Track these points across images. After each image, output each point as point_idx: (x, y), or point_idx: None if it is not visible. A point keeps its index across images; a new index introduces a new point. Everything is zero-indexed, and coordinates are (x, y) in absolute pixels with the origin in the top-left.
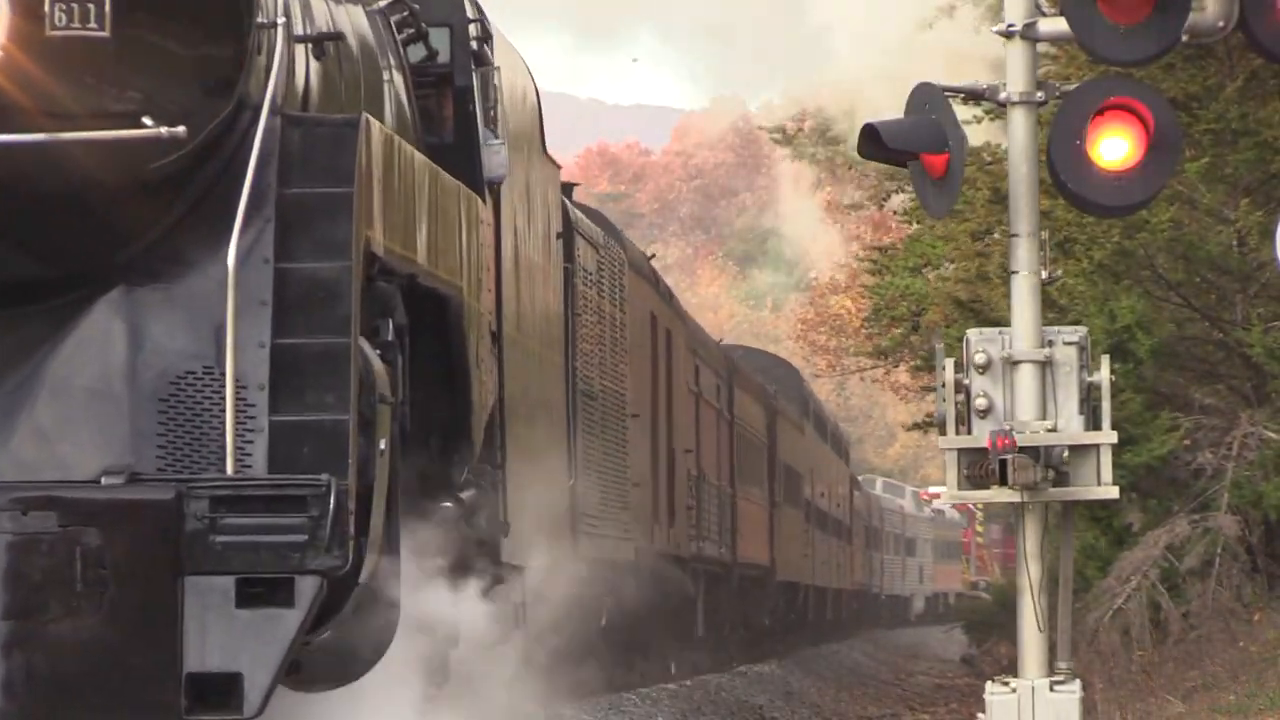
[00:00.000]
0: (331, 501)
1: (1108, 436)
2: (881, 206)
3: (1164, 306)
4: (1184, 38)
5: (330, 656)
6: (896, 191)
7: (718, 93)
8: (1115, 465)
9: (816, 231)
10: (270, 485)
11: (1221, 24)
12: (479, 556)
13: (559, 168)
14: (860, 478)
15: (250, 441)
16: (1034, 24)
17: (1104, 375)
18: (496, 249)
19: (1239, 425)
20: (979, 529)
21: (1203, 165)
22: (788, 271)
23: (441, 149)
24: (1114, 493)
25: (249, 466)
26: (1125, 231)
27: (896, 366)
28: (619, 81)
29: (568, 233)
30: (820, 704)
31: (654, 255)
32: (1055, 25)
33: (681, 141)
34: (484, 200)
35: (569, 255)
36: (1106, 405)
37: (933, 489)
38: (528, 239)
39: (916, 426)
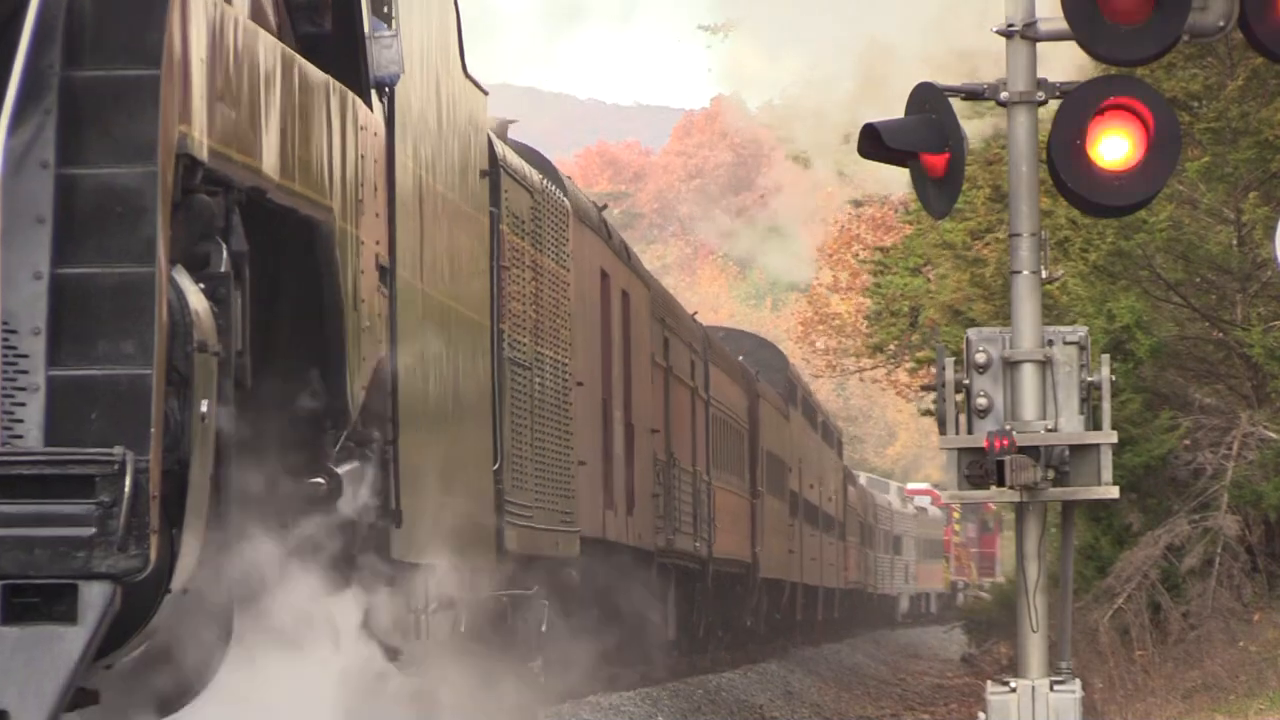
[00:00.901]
0: (127, 483)
1: (1108, 436)
2: (882, 206)
3: (1163, 306)
4: (1184, 37)
5: (141, 682)
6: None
7: (718, 92)
8: (1115, 465)
9: (815, 229)
10: (47, 462)
11: (1222, 23)
12: (360, 552)
13: (486, 94)
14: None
15: (21, 404)
16: (1034, 23)
17: (1104, 375)
18: (389, 165)
19: (1239, 425)
20: (955, 528)
21: (1203, 164)
22: (787, 271)
23: (318, 40)
24: (1114, 492)
25: (19, 437)
26: (1121, 232)
27: (898, 366)
28: (619, 81)
29: (494, 171)
30: (820, 703)
31: (605, 206)
32: (1055, 24)
33: (682, 141)
34: (369, 104)
35: (495, 198)
36: (1106, 405)
37: (911, 486)
38: (437, 169)
39: (928, 413)
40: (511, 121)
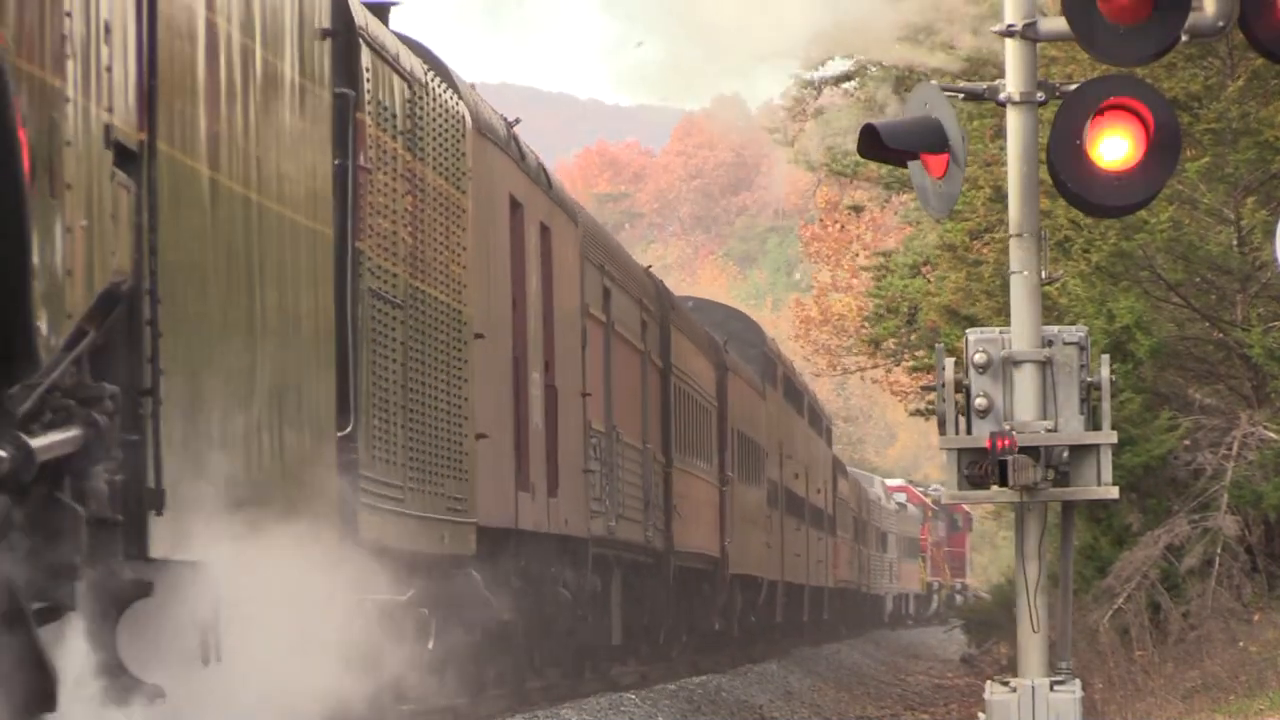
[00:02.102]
0: None
1: (1107, 437)
2: (883, 208)
3: (1163, 307)
4: (1184, 37)
5: None
6: (898, 192)
7: (718, 92)
8: (1115, 465)
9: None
10: None
11: (1221, 23)
12: (92, 556)
13: None
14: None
15: None
16: (1034, 23)
17: (1104, 375)
18: None
19: (1239, 425)
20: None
21: (1203, 165)
22: (787, 271)
23: None
24: (1114, 493)
25: None
26: (1122, 233)
27: (897, 365)
28: (619, 81)
29: (346, 36)
30: (820, 704)
31: (518, 121)
32: (1055, 25)
33: (682, 142)
34: None
35: (347, 74)
36: (1106, 405)
37: (890, 482)
38: (233, 11)
39: (919, 413)
40: (516, 121)
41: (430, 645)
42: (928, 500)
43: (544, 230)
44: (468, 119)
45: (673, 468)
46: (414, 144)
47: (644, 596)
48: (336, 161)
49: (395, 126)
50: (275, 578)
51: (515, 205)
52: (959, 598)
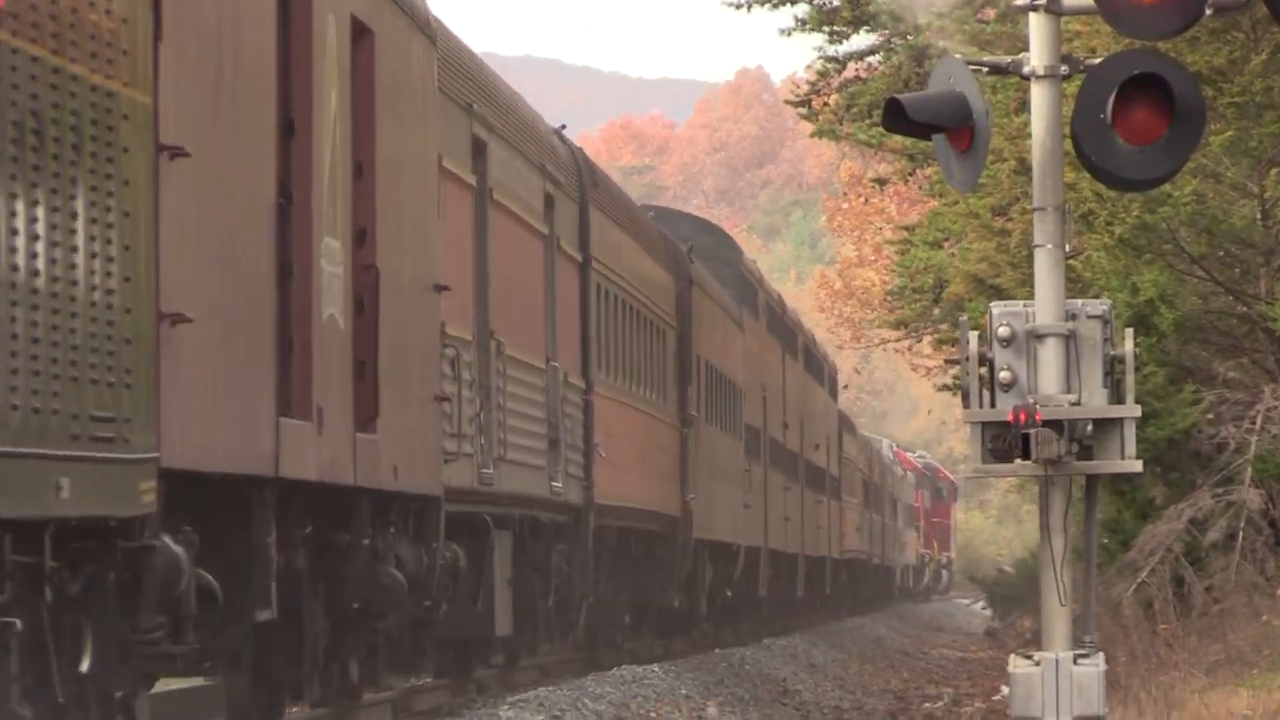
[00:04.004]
0: None
1: (1131, 410)
2: (907, 181)
3: (1187, 280)
4: (1208, 11)
5: None
6: (923, 165)
7: (742, 65)
8: (1138, 439)
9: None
10: None
11: None
12: None
13: None
14: None
15: None
16: None
17: (1128, 349)
18: None
19: (1262, 399)
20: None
21: (1227, 139)
22: (811, 245)
23: None
24: (1137, 466)
25: None
26: (1146, 206)
27: (920, 340)
28: (644, 55)
29: None
30: (844, 677)
31: None
32: None
33: (706, 115)
34: None
35: None
36: (1130, 379)
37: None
38: None
39: (945, 388)
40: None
41: (84, 667)
42: (919, 465)
43: (358, 29)
44: None
45: (594, 395)
46: None
47: (550, 568)
48: None
49: None
50: None
51: None
52: (944, 574)
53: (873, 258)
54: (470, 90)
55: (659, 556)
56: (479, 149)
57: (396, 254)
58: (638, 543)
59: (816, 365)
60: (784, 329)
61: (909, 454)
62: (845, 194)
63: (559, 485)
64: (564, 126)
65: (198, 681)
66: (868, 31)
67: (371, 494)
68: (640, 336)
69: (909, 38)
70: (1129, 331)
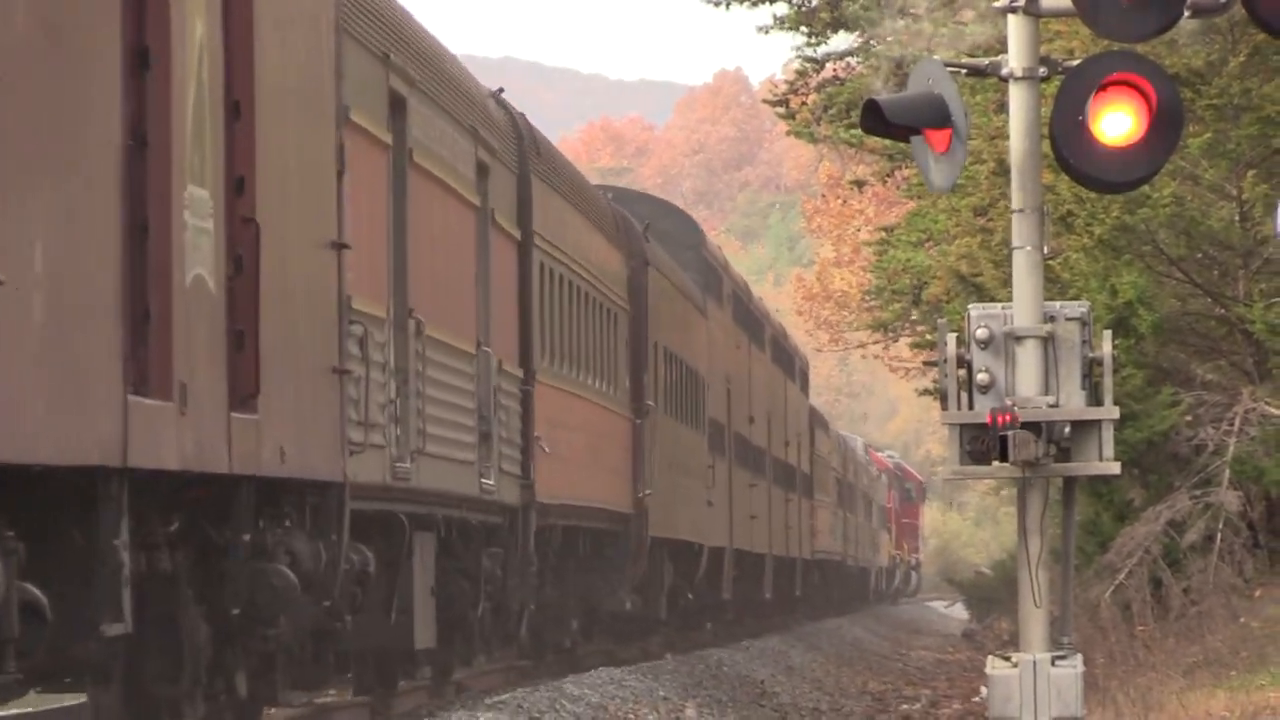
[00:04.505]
0: None
1: (1109, 412)
2: (885, 182)
3: (1165, 282)
4: (1186, 13)
5: None
6: (901, 167)
7: (720, 68)
8: (1117, 441)
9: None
10: None
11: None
12: None
13: None
14: None
15: None
16: None
17: (1106, 351)
18: None
19: (1240, 401)
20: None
21: (1205, 141)
22: (789, 246)
23: None
24: (1116, 468)
25: None
26: (1126, 207)
27: (896, 341)
28: (623, 57)
29: None
30: (822, 679)
31: None
32: (1058, 1)
33: (685, 117)
34: None
35: None
36: (1108, 381)
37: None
38: None
39: (926, 393)
40: (499, 90)
41: None
42: (889, 464)
43: None
44: None
45: (535, 384)
46: None
47: (480, 573)
48: None
49: None
50: None
51: None
52: (914, 575)
53: (851, 259)
54: (387, 38)
55: (609, 557)
56: (397, 104)
57: (283, 207)
58: (587, 543)
59: (786, 358)
60: (750, 318)
61: (879, 453)
62: (824, 195)
63: (491, 483)
64: (501, 90)
65: (63, 700)
66: (846, 33)
67: (253, 482)
68: (590, 321)
69: (888, 39)
70: (1107, 333)
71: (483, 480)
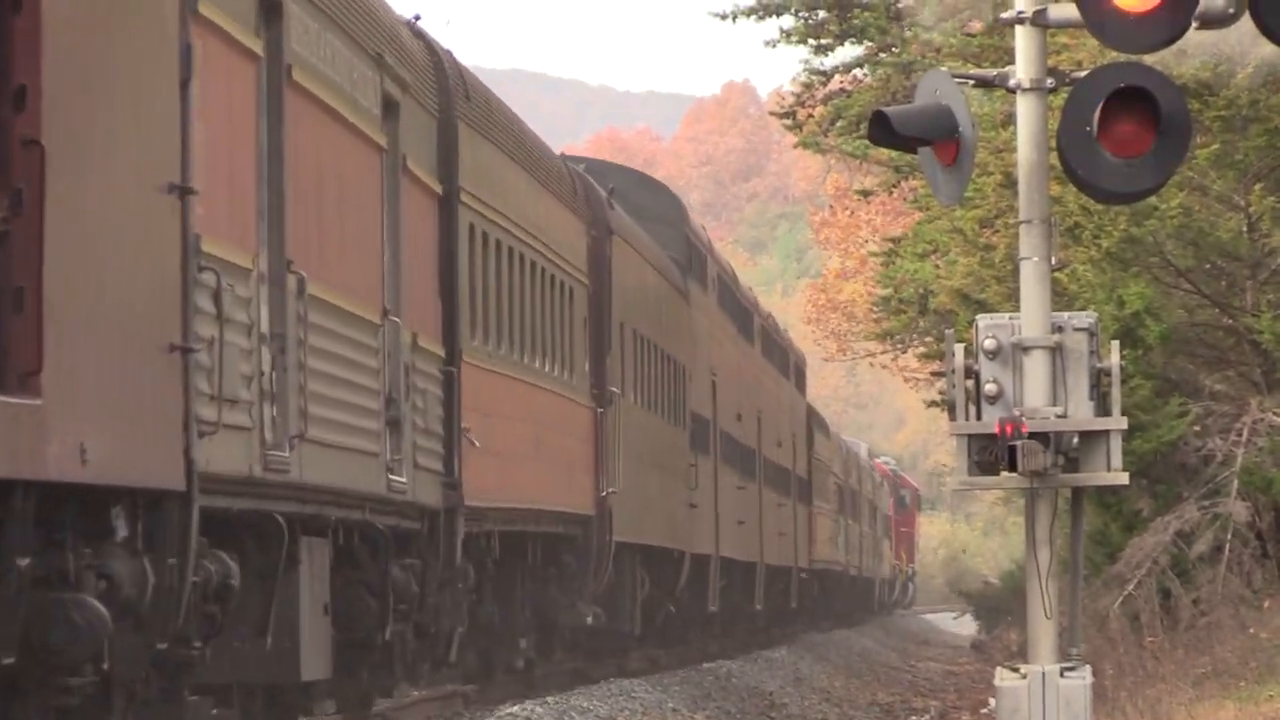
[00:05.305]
0: None
1: (1118, 422)
2: (892, 193)
3: (1173, 293)
4: (1194, 25)
5: None
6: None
7: (728, 79)
8: (1125, 451)
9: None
10: None
11: (1231, 10)
12: None
13: None
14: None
15: None
16: (1044, 11)
17: (1114, 361)
18: None
19: (1249, 411)
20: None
21: (1213, 152)
22: (797, 258)
23: None
24: (1124, 479)
25: None
26: (1133, 219)
27: (904, 352)
28: (631, 68)
29: None
30: (830, 690)
31: None
32: (1065, 12)
33: (692, 128)
34: None
35: None
36: (1116, 391)
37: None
38: None
39: (934, 404)
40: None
41: None
42: (889, 470)
43: None
44: None
45: (461, 364)
46: None
47: (388, 587)
48: None
49: None
50: None
51: None
52: (910, 586)
53: (858, 270)
54: None
55: (567, 565)
56: (270, 9)
57: (87, 124)
58: (538, 550)
59: (779, 353)
60: (739, 307)
61: (876, 460)
62: (831, 207)
63: (402, 480)
64: (418, 18)
65: None
66: (853, 44)
67: (36, 489)
68: (538, 295)
69: (895, 51)
70: (1115, 344)
71: (391, 477)
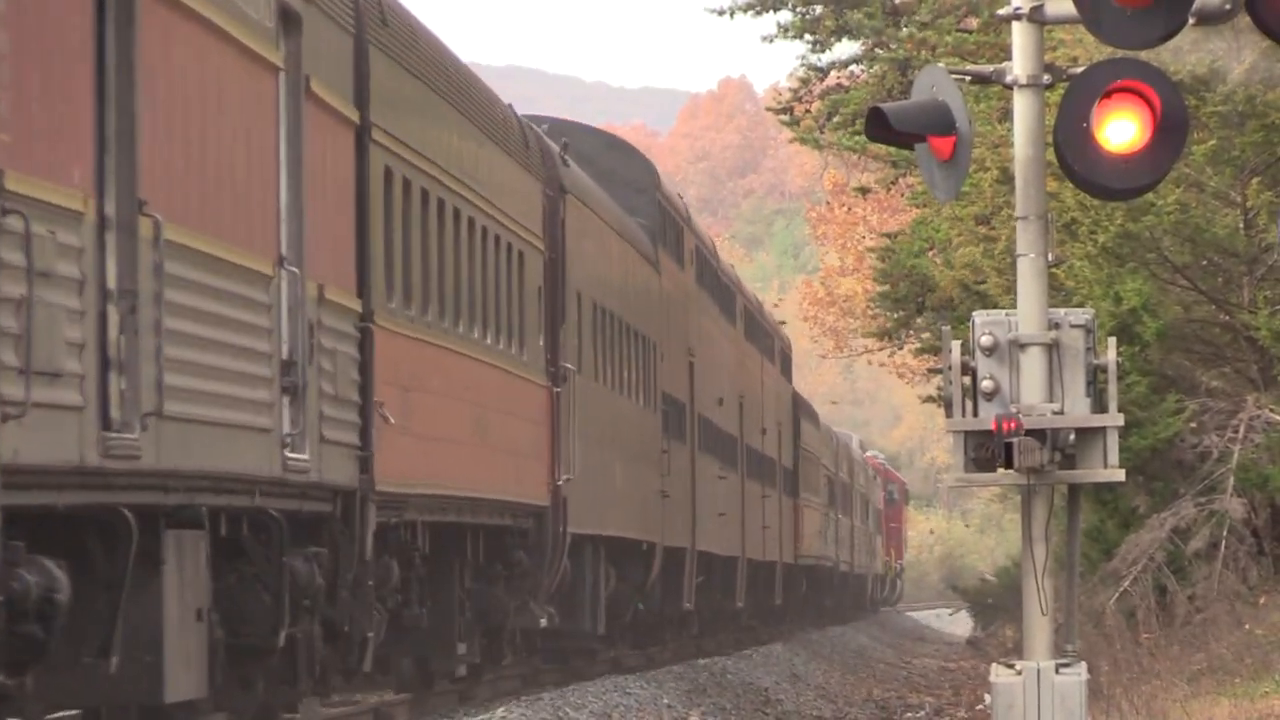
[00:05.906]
0: None
1: (1114, 419)
2: (889, 189)
3: (1170, 289)
4: (1191, 20)
5: None
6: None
7: (725, 75)
8: (1121, 448)
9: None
10: None
11: (1228, 6)
12: None
13: None
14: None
15: None
16: (1041, 6)
17: (1110, 358)
18: None
19: (1245, 408)
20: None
21: (1210, 148)
22: (794, 254)
23: None
24: (1120, 475)
25: None
26: (1130, 215)
27: (901, 348)
28: (626, 64)
29: None
30: (826, 686)
31: None
32: (1062, 8)
33: (688, 124)
34: None
35: None
36: (1113, 388)
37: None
38: None
39: (930, 400)
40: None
41: None
42: (880, 463)
43: None
44: None
45: (375, 325)
46: None
47: (282, 583)
48: None
49: None
50: None
51: None
52: (898, 582)
53: (855, 267)
54: None
55: (516, 561)
56: None
57: None
58: (479, 545)
59: (763, 336)
60: (718, 284)
61: (867, 454)
62: (828, 203)
63: (303, 458)
64: None
65: None
66: (850, 40)
67: None
68: (477, 256)
69: (892, 47)
70: (1112, 340)
71: (289, 455)
